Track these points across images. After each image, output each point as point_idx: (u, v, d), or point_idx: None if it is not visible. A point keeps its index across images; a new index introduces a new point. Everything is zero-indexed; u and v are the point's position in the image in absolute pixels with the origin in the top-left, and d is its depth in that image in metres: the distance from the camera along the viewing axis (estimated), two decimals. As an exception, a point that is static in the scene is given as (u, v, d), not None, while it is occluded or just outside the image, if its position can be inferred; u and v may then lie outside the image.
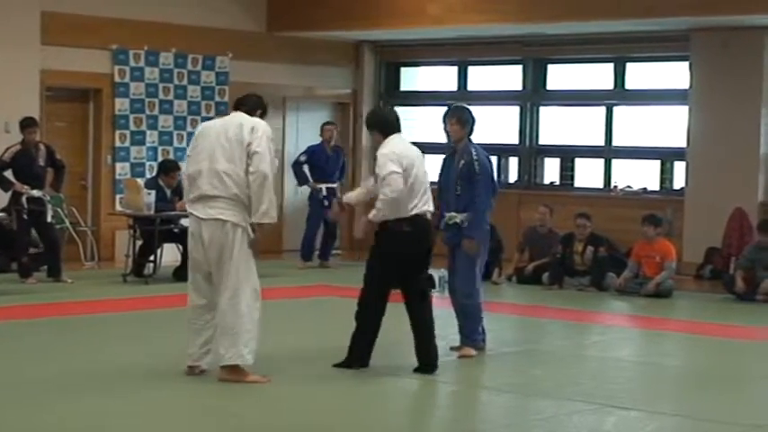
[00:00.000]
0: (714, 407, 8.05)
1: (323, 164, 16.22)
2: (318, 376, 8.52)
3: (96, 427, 7.10)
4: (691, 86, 16.21)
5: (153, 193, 13.87)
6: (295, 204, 17.71)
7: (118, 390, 7.99)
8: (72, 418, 7.31)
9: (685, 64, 16.32)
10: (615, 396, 8.19)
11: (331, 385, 8.32)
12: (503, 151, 18.44)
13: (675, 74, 16.74)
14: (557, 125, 18.14)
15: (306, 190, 16.40)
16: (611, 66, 17.39)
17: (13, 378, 8.44)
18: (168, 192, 14.20)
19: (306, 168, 16.19)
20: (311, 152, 16.30)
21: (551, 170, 18.22)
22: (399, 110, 20.00)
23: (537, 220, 15.34)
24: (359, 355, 8.69)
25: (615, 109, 17.41)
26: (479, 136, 19.54)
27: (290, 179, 17.15)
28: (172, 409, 7.65)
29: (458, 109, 9.91)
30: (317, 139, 16.62)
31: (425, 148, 19.07)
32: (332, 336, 9.70)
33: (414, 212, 8.61)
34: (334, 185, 16.29)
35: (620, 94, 17.32)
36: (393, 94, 19.56)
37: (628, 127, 17.42)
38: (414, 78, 19.75)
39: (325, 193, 16.10)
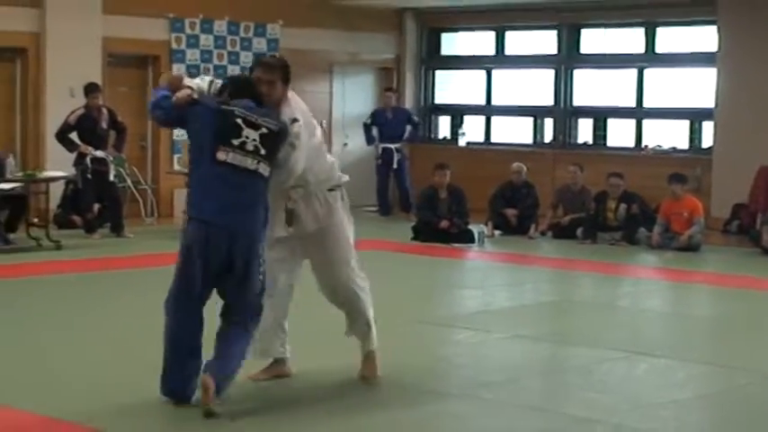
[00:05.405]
0: (740, 355, 8.11)
1: (382, 125, 17.56)
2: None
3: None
4: (719, 49, 16.31)
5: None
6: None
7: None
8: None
9: (713, 28, 16.42)
10: (646, 345, 8.27)
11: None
12: (538, 113, 18.67)
13: (704, 37, 16.86)
14: (590, 87, 18.28)
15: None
16: (642, 30, 17.52)
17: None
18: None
19: (374, 130, 17.56)
20: (374, 115, 17.75)
21: (585, 130, 18.30)
22: (439, 74, 20.60)
23: (569, 179, 15.53)
24: None
25: (646, 71, 17.54)
26: (516, 98, 19.80)
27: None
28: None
29: None
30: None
31: (463, 110, 19.71)
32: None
33: None
34: (392, 146, 17.44)
35: (650, 57, 17.45)
36: (434, 59, 19.74)
37: (658, 89, 17.52)
38: (454, 43, 19.82)
39: (380, 152, 17.48)
